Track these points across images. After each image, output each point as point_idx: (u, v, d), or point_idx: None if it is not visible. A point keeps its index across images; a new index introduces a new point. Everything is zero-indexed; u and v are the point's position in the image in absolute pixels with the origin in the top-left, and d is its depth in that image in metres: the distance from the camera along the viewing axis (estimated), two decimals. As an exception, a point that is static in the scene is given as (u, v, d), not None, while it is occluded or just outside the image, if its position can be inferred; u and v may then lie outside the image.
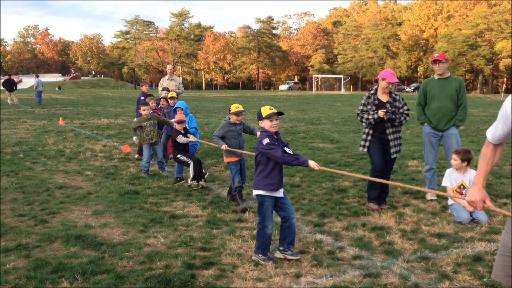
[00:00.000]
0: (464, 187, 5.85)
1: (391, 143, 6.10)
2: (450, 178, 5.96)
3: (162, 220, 5.55)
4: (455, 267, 4.22)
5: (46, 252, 4.50)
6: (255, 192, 4.38)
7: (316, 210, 6.00)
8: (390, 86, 6.02)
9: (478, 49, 66.90)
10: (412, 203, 6.43)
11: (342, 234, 5.14)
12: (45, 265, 4.17)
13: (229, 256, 4.44)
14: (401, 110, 6.08)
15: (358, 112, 6.19)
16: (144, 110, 8.05)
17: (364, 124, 6.21)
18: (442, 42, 68.59)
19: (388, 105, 6.03)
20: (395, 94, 6.15)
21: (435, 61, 6.47)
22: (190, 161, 7.20)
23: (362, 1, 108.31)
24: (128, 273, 4.04)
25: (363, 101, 6.17)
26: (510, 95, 2.73)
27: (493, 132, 2.83)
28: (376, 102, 6.09)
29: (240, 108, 6.16)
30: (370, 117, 6.03)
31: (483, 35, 68.23)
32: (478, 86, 72.74)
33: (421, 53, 79.75)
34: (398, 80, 6.30)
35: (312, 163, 4.18)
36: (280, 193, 4.39)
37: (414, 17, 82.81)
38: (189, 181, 7.23)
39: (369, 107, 6.10)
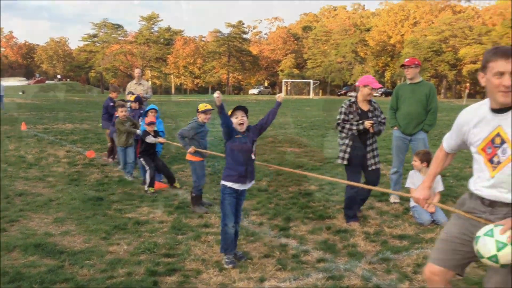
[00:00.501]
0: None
1: (369, 155, 5.70)
2: (413, 180, 6.09)
3: (126, 227, 5.45)
4: (415, 267, 4.31)
5: (4, 262, 4.35)
6: (221, 182, 4.49)
7: (282, 214, 6.03)
8: (373, 92, 5.62)
9: (442, 55, 68.89)
10: (376, 205, 6.54)
11: (307, 237, 5.18)
12: (2, 274, 4.03)
13: (193, 262, 4.41)
14: (379, 119, 5.72)
15: (339, 122, 5.67)
16: (122, 111, 7.99)
17: (343, 134, 5.71)
18: (408, 48, 70.30)
19: (369, 114, 5.66)
20: (374, 102, 5.76)
21: (403, 66, 6.59)
22: (147, 168, 7.19)
23: (332, 7, 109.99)
24: (88, 282, 3.95)
25: (343, 110, 5.66)
26: (463, 110, 2.77)
27: (448, 142, 2.94)
28: (359, 111, 5.65)
29: (209, 106, 6.10)
30: (354, 127, 5.56)
31: (447, 41, 70.31)
32: (442, 91, 74.77)
33: (388, 59, 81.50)
34: (381, 85, 6.05)
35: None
36: (240, 187, 4.41)
37: (382, 23, 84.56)
38: (145, 187, 7.21)
39: (351, 116, 5.63)
